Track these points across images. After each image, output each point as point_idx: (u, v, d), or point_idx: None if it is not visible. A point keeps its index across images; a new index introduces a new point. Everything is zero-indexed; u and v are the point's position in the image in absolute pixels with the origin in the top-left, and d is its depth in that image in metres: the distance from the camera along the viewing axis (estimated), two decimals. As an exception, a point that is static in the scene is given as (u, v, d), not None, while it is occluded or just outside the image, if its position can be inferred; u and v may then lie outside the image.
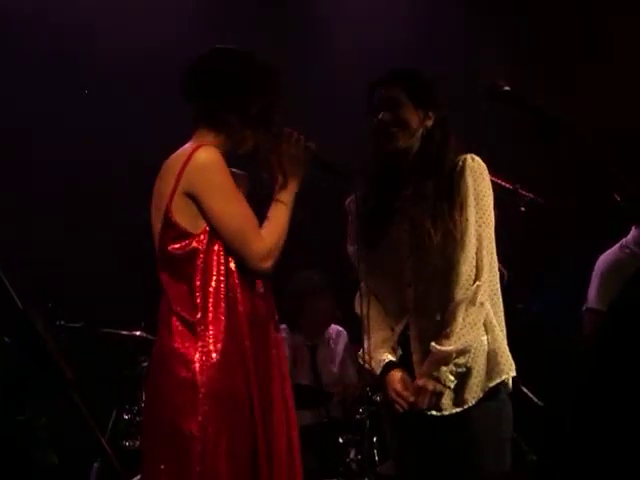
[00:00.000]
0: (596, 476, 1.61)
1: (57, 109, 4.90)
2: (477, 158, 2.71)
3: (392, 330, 2.76)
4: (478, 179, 2.68)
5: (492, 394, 2.66)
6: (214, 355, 2.45)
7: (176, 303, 2.51)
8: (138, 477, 3.95)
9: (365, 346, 2.76)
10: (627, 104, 4.72)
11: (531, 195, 3.68)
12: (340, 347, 4.90)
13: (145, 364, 4.12)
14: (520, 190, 3.67)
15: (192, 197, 2.52)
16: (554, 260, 4.91)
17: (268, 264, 2.57)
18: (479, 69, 5.07)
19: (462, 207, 2.66)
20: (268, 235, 2.58)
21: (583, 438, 1.63)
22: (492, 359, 2.66)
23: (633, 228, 3.71)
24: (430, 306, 2.68)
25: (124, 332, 4.17)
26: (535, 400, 3.81)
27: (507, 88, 2.40)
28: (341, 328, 4.91)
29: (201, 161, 2.52)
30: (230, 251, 2.54)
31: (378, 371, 2.74)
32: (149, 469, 2.51)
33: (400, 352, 2.75)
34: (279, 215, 2.62)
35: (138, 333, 4.15)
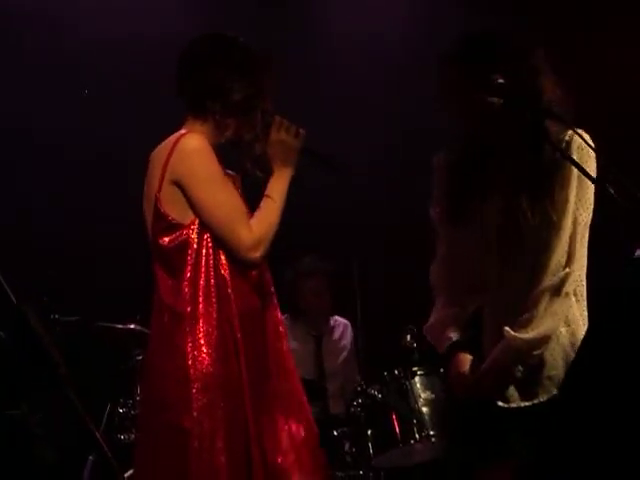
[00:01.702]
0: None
1: (50, 108, 4.89)
2: (587, 135, 2.48)
3: (463, 308, 2.57)
4: (584, 157, 2.42)
5: None
6: (205, 349, 2.42)
7: (167, 296, 2.48)
8: (131, 471, 3.99)
9: (432, 320, 2.61)
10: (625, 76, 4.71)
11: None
12: (346, 340, 4.90)
13: (140, 357, 4.12)
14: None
15: (179, 186, 2.48)
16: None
17: (256, 255, 2.51)
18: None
19: (563, 186, 2.44)
20: (257, 224, 2.52)
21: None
22: (570, 355, 2.41)
23: None
24: (512, 287, 2.47)
25: (119, 326, 4.16)
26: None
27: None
28: (347, 321, 4.91)
29: (185, 148, 2.48)
30: (219, 242, 2.50)
31: (443, 350, 2.55)
32: (144, 465, 2.50)
33: (470, 332, 2.54)
34: (270, 205, 2.57)
35: (133, 326, 4.14)
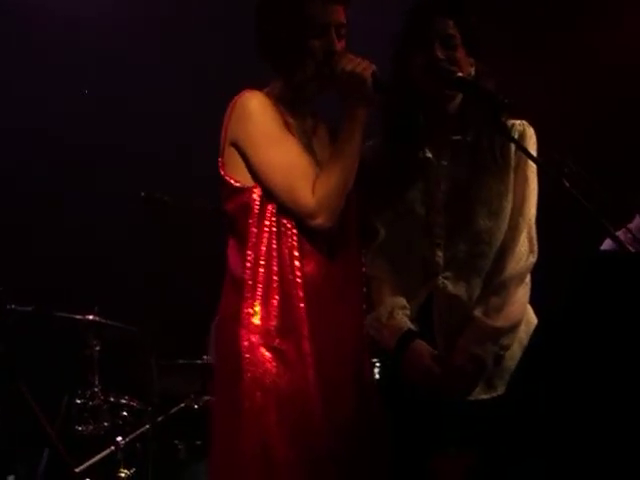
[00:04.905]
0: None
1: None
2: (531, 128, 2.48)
3: (411, 296, 2.45)
4: (535, 151, 2.44)
5: None
6: (256, 319, 2.28)
7: (232, 261, 2.36)
8: (90, 462, 3.97)
9: (378, 312, 2.44)
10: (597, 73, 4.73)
11: None
12: None
13: (98, 348, 4.08)
14: None
15: (237, 148, 2.33)
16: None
17: (319, 220, 2.28)
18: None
19: (524, 173, 2.43)
20: (319, 186, 2.28)
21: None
22: (524, 344, 2.36)
23: (637, 216, 3.83)
24: (464, 272, 2.42)
25: (77, 316, 4.12)
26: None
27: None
28: None
29: (238, 109, 2.32)
30: (282, 207, 2.31)
31: (394, 341, 2.40)
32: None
33: (416, 327, 2.42)
34: (338, 155, 2.31)
35: (91, 317, 4.10)
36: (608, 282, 1.50)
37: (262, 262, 2.30)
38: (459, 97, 2.46)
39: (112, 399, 4.08)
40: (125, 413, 4.11)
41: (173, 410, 4.16)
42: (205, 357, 4.18)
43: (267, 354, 2.28)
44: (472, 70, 2.46)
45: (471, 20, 2.47)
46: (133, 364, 4.12)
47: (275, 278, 2.30)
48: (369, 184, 2.47)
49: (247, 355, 2.27)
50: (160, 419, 4.04)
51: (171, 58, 4.88)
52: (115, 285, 4.73)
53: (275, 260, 2.30)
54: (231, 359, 2.31)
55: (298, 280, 2.29)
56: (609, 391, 1.55)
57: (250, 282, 2.30)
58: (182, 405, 4.18)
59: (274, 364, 2.28)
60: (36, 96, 4.79)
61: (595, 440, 1.58)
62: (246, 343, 2.28)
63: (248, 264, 2.31)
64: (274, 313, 2.29)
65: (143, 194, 3.72)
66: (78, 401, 4.05)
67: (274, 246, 2.30)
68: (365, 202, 2.48)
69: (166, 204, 3.72)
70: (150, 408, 3.99)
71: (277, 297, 2.29)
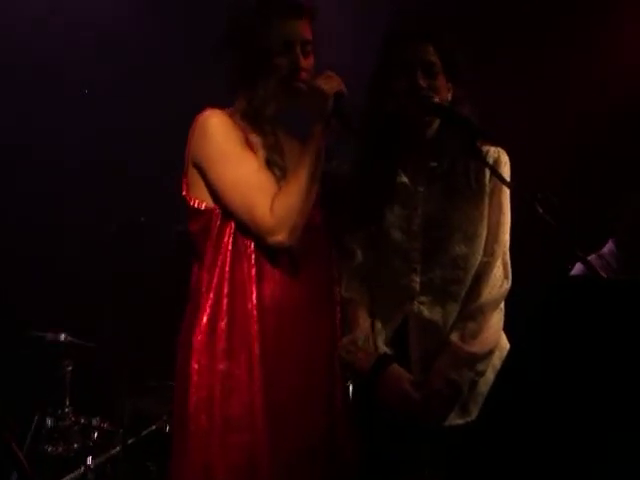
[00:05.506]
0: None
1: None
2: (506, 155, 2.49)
3: (386, 320, 2.45)
4: (509, 177, 2.44)
5: None
6: (204, 341, 2.26)
7: (191, 283, 2.35)
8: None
9: (353, 335, 2.41)
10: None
11: None
12: None
13: (69, 368, 4.05)
14: None
15: (198, 168, 2.30)
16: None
17: (278, 237, 2.23)
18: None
19: (499, 199, 2.44)
20: (279, 201, 2.23)
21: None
22: (497, 369, 2.35)
23: (609, 241, 3.88)
24: (439, 297, 2.41)
25: (49, 336, 4.08)
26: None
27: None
28: None
29: (198, 128, 2.30)
30: (242, 227, 2.27)
31: (369, 364, 2.38)
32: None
33: (391, 351, 2.42)
34: (296, 170, 2.27)
35: (63, 337, 4.07)
36: (578, 307, 1.51)
37: (214, 285, 2.29)
38: (436, 123, 2.47)
39: (83, 420, 4.05)
40: (96, 434, 4.07)
41: (144, 432, 4.13)
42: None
43: (214, 377, 2.27)
44: (449, 96, 2.47)
45: (450, 45, 2.48)
46: (105, 385, 4.09)
47: (225, 301, 2.28)
48: (346, 206, 2.48)
49: (195, 378, 2.27)
50: (131, 441, 4.01)
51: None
52: (87, 305, 4.70)
53: (226, 282, 2.28)
54: (182, 380, 2.31)
55: (252, 302, 2.26)
56: (580, 414, 1.56)
57: (202, 305, 2.30)
58: (153, 427, 4.15)
59: (219, 388, 2.26)
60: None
61: (565, 463, 1.58)
62: (195, 366, 2.27)
63: (202, 287, 2.30)
64: (222, 336, 2.26)
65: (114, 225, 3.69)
66: (48, 422, 4.02)
67: (227, 268, 2.28)
68: (342, 224, 2.48)
69: (141, 225, 3.71)
70: (121, 429, 3.96)
71: (225, 319, 2.27)
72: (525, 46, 4.76)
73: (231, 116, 2.35)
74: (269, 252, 2.29)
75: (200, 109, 2.36)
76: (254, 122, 2.36)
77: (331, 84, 2.27)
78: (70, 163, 4.80)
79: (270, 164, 2.35)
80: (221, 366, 2.26)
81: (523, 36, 4.76)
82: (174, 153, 2.48)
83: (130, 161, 4.76)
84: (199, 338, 2.28)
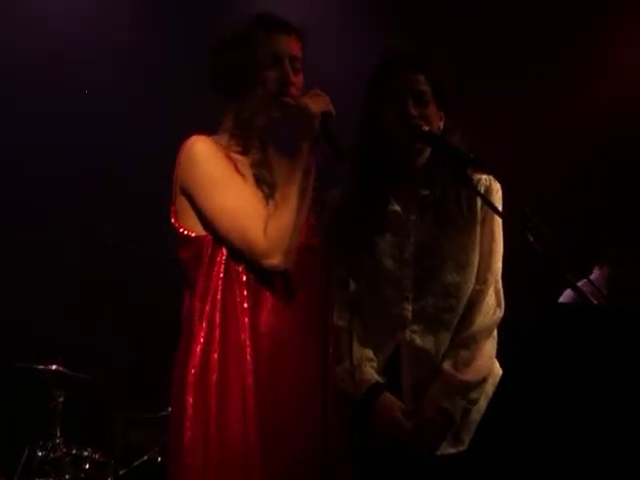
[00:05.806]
0: None
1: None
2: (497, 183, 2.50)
3: (379, 349, 2.45)
4: (501, 205, 2.46)
5: None
6: (197, 374, 2.23)
7: (183, 313, 2.31)
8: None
9: (345, 363, 2.39)
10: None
11: None
12: None
13: (61, 399, 4.03)
14: None
15: (186, 195, 2.28)
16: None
17: (273, 261, 2.19)
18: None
19: (491, 228, 2.47)
20: (271, 224, 2.20)
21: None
22: (490, 396, 2.34)
23: (596, 268, 3.91)
24: (431, 325, 2.42)
25: (40, 366, 4.06)
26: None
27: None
28: None
29: (185, 154, 2.28)
30: (234, 254, 2.24)
31: (361, 393, 2.38)
32: None
33: (383, 380, 2.42)
34: (285, 191, 2.23)
35: (55, 367, 4.04)
36: (569, 334, 1.52)
37: (206, 314, 2.25)
38: (427, 151, 2.49)
39: (74, 451, 4.01)
40: (87, 466, 4.03)
41: (136, 463, 4.10)
42: (169, 409, 4.13)
43: (209, 411, 2.23)
44: (441, 124, 2.48)
45: (440, 74, 2.50)
46: (96, 416, 4.07)
47: (217, 331, 2.24)
48: (338, 234, 2.48)
49: (190, 411, 2.24)
50: (123, 472, 3.98)
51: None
52: (80, 335, 4.68)
53: (218, 312, 2.24)
54: (177, 413, 2.28)
55: (245, 332, 2.23)
56: (573, 441, 1.56)
57: (195, 334, 2.26)
58: (145, 457, 4.12)
59: (214, 421, 2.23)
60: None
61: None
62: (190, 399, 2.25)
63: (195, 317, 2.27)
64: (215, 368, 2.24)
65: (109, 243, 3.70)
66: (39, 453, 3.98)
67: (219, 297, 2.25)
68: (334, 251, 2.46)
69: (129, 252, 3.71)
70: (113, 460, 3.93)
71: (218, 351, 2.24)
72: (525, 46, 4.80)
73: (217, 141, 2.34)
74: (263, 278, 2.26)
75: (200, 124, 2.36)
76: (242, 138, 2.35)
77: (319, 103, 2.25)
78: (65, 174, 4.80)
79: (259, 181, 2.33)
80: (215, 398, 2.24)
81: (522, 36, 4.81)
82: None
83: (130, 176, 4.76)
84: (192, 371, 2.25)
